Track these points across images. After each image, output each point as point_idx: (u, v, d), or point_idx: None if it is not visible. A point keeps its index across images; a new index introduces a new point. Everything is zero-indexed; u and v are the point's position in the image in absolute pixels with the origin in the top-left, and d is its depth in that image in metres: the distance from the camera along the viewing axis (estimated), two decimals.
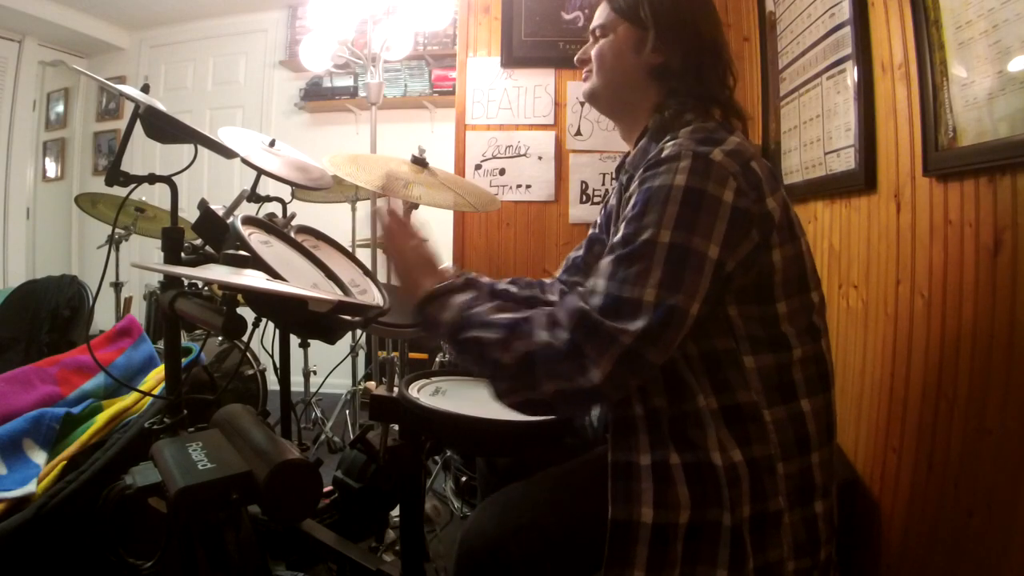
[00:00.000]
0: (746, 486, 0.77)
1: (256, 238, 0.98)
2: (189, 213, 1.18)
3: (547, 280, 1.24)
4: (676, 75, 0.92)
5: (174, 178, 1.15)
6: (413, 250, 0.95)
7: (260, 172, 1.37)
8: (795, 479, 0.80)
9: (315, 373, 2.88)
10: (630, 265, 0.75)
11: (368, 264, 1.34)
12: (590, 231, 1.20)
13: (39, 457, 1.33)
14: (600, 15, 0.99)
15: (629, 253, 0.76)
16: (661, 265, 0.74)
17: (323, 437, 2.72)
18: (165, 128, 1.12)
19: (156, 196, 2.15)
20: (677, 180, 0.77)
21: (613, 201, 1.08)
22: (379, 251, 2.48)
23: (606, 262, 0.78)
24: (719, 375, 0.80)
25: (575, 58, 1.04)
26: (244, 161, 1.32)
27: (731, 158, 0.79)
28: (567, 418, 1.04)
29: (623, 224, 0.80)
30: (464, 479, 1.84)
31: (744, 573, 0.76)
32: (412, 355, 1.65)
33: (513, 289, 1.20)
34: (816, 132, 1.62)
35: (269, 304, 0.87)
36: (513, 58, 2.49)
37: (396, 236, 0.97)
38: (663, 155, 0.80)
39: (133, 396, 1.47)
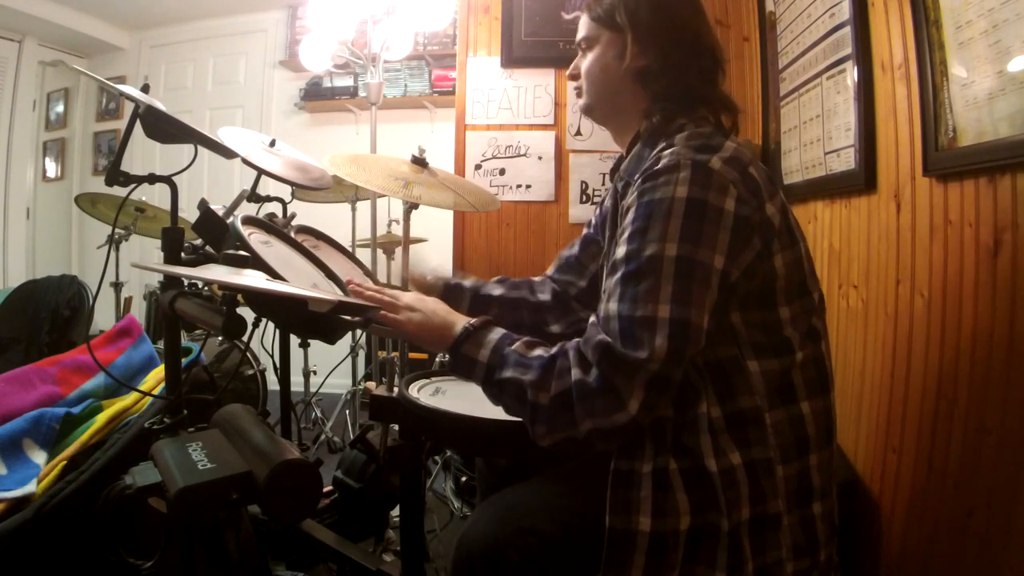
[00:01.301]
0: (744, 489, 0.77)
1: (256, 238, 0.99)
2: (189, 213, 1.18)
3: (536, 279, 1.24)
4: (658, 76, 0.92)
5: (174, 178, 1.15)
6: (417, 308, 0.93)
7: (260, 172, 1.37)
8: (794, 481, 0.80)
9: (315, 373, 2.88)
10: (638, 282, 0.75)
11: (368, 264, 1.34)
12: (584, 231, 1.20)
13: (39, 457, 1.33)
14: (583, 27, 0.99)
15: (636, 270, 0.76)
16: (671, 280, 0.74)
17: (323, 437, 2.72)
18: (165, 128, 1.12)
19: (156, 196, 2.15)
20: (678, 192, 0.77)
21: (608, 204, 1.08)
22: (379, 251, 2.48)
23: (613, 282, 0.78)
24: (723, 383, 0.80)
25: (567, 74, 1.04)
26: (244, 161, 1.32)
27: (730, 166, 0.79)
28: None
29: (626, 239, 0.79)
30: (464, 479, 1.84)
31: (743, 575, 0.76)
32: (412, 355, 1.66)
33: (498, 291, 1.20)
34: (816, 132, 1.62)
35: (269, 304, 0.87)
36: (513, 58, 2.49)
37: (389, 307, 0.95)
38: (661, 165, 0.80)
39: (133, 396, 1.47)
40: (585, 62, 0.99)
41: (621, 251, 0.79)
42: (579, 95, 1.02)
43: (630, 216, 0.80)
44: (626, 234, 0.79)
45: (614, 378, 0.73)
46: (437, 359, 2.19)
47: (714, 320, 0.78)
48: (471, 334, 0.86)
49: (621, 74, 0.94)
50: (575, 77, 1.02)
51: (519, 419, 0.82)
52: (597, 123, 1.06)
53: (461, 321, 0.89)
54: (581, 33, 0.99)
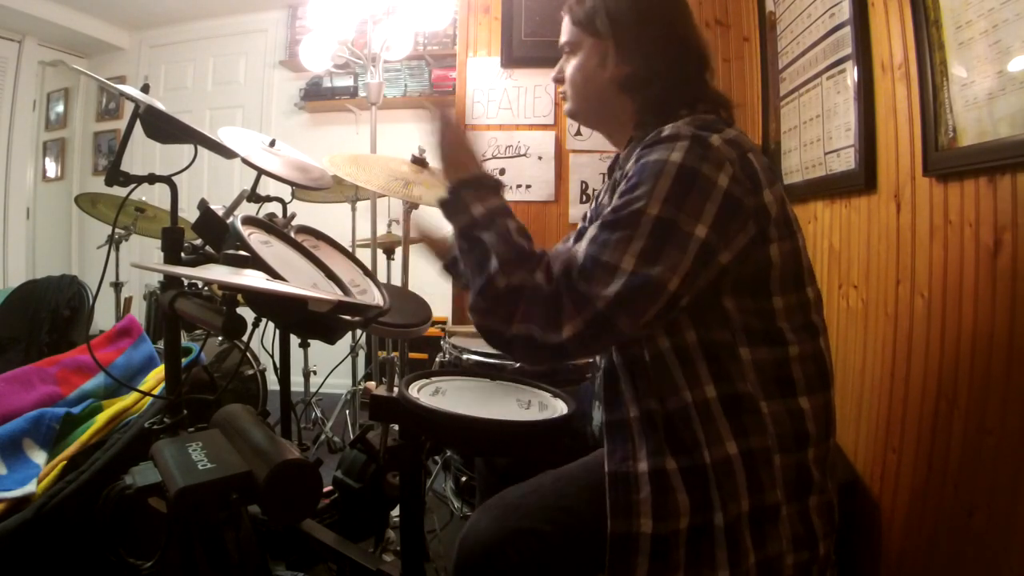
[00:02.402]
0: (742, 479, 0.77)
1: (256, 238, 0.98)
2: (189, 213, 1.18)
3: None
4: (644, 84, 0.90)
5: (174, 178, 1.15)
6: (467, 135, 0.91)
7: (260, 172, 1.37)
8: (792, 472, 0.80)
9: (315, 373, 2.88)
10: (614, 231, 0.76)
11: (368, 264, 1.34)
12: (580, 224, 1.20)
13: (39, 457, 1.33)
14: (565, 31, 0.98)
15: (615, 220, 0.76)
16: (644, 237, 0.74)
17: (323, 437, 2.72)
18: (165, 128, 1.12)
19: (156, 196, 2.14)
20: (673, 156, 0.77)
21: (605, 200, 1.08)
22: (379, 251, 2.48)
23: (594, 227, 0.79)
24: (717, 364, 0.80)
25: (552, 77, 1.03)
26: (244, 161, 1.32)
27: (729, 146, 0.79)
28: (567, 419, 1.04)
29: (617, 195, 0.80)
30: (464, 479, 1.85)
31: (745, 568, 0.76)
32: (412, 355, 1.66)
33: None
34: (816, 132, 1.62)
35: (269, 304, 0.87)
36: (513, 58, 2.49)
37: (453, 122, 0.92)
38: (663, 135, 0.80)
39: (133, 396, 1.47)
40: (568, 68, 0.98)
41: (610, 205, 0.80)
42: (564, 99, 1.01)
43: (626, 179, 0.80)
44: (618, 192, 0.80)
45: (563, 299, 0.74)
46: (437, 359, 2.19)
47: (707, 302, 0.78)
48: (481, 184, 0.85)
49: (605, 83, 0.93)
50: (560, 81, 1.01)
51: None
52: (586, 127, 1.05)
53: (479, 169, 0.88)
54: (563, 37, 0.98)
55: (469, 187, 0.85)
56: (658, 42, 0.90)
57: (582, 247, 0.78)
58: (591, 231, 0.79)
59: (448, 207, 0.86)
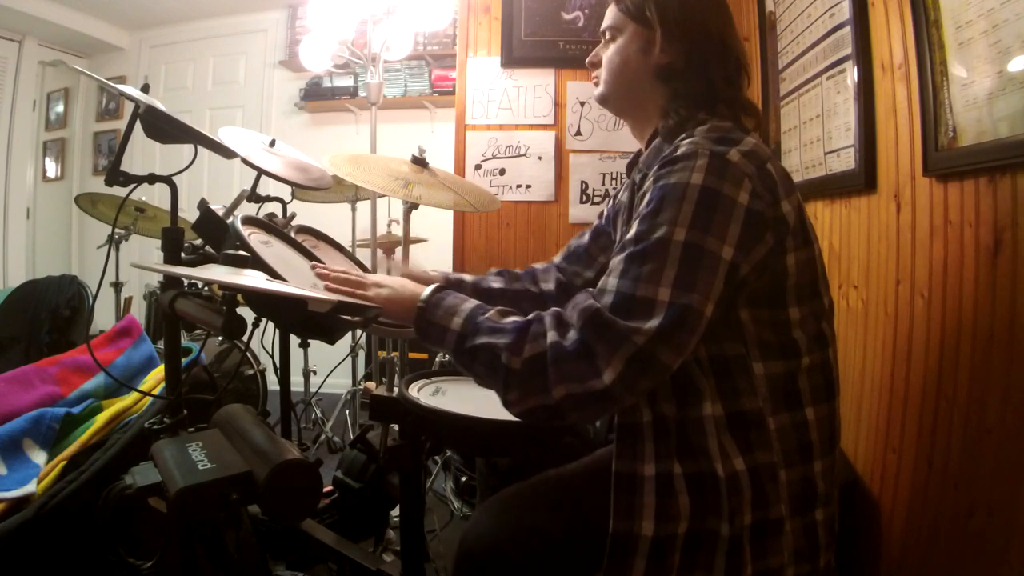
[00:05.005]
0: (748, 494, 0.76)
1: (256, 238, 0.99)
2: (189, 213, 1.18)
3: (539, 266, 1.23)
4: (681, 75, 0.90)
5: (174, 178, 1.15)
6: (385, 284, 0.91)
7: (260, 172, 1.37)
8: (797, 486, 0.80)
9: (315, 373, 2.88)
10: (643, 263, 0.74)
11: (368, 264, 1.34)
12: (596, 222, 1.19)
13: (39, 457, 1.33)
14: (609, 16, 0.97)
15: (642, 250, 0.75)
16: (676, 264, 0.73)
17: (323, 437, 2.72)
18: (165, 128, 1.12)
19: (156, 196, 2.15)
20: (693, 179, 0.75)
21: (624, 197, 1.06)
22: (380, 251, 2.48)
23: (618, 259, 0.77)
24: (726, 380, 0.79)
25: (587, 60, 1.02)
26: (244, 161, 1.32)
27: (747, 159, 0.78)
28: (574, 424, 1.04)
29: (636, 221, 0.78)
30: (464, 479, 1.84)
31: None
32: (412, 355, 1.66)
33: (498, 284, 1.18)
34: (816, 132, 1.62)
35: (269, 304, 0.88)
36: (513, 58, 2.49)
37: (357, 285, 0.93)
38: (679, 153, 0.79)
39: (133, 396, 1.47)
40: (607, 52, 0.97)
41: (631, 232, 0.77)
42: (596, 84, 1.00)
43: (645, 200, 0.79)
44: (639, 217, 0.78)
45: (595, 343, 0.71)
46: (437, 359, 2.19)
47: (722, 314, 0.77)
48: (438, 301, 0.84)
49: (644, 69, 0.93)
50: (595, 65, 1.00)
51: (511, 410, 0.80)
52: (612, 114, 1.03)
53: (418, 290, 0.88)
54: (607, 22, 0.97)
55: (432, 310, 0.84)
56: (701, 38, 0.90)
57: (609, 283, 0.75)
58: (616, 262, 0.77)
59: (430, 338, 0.84)
